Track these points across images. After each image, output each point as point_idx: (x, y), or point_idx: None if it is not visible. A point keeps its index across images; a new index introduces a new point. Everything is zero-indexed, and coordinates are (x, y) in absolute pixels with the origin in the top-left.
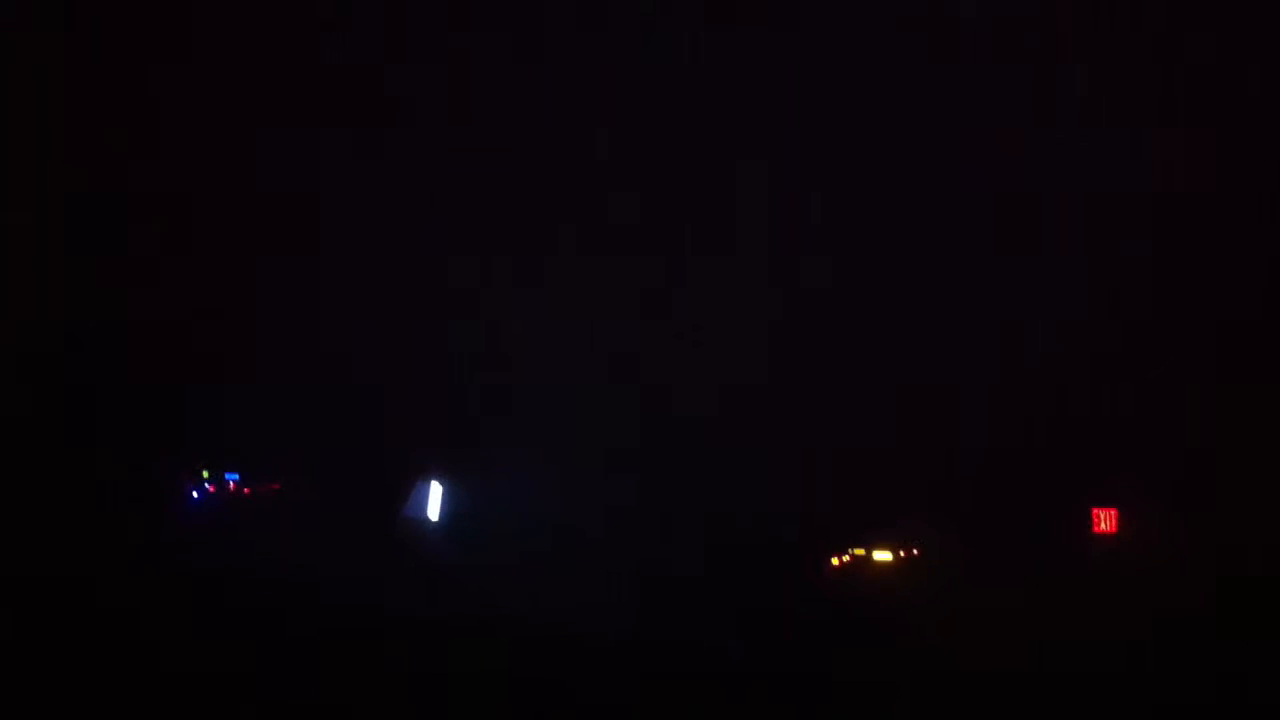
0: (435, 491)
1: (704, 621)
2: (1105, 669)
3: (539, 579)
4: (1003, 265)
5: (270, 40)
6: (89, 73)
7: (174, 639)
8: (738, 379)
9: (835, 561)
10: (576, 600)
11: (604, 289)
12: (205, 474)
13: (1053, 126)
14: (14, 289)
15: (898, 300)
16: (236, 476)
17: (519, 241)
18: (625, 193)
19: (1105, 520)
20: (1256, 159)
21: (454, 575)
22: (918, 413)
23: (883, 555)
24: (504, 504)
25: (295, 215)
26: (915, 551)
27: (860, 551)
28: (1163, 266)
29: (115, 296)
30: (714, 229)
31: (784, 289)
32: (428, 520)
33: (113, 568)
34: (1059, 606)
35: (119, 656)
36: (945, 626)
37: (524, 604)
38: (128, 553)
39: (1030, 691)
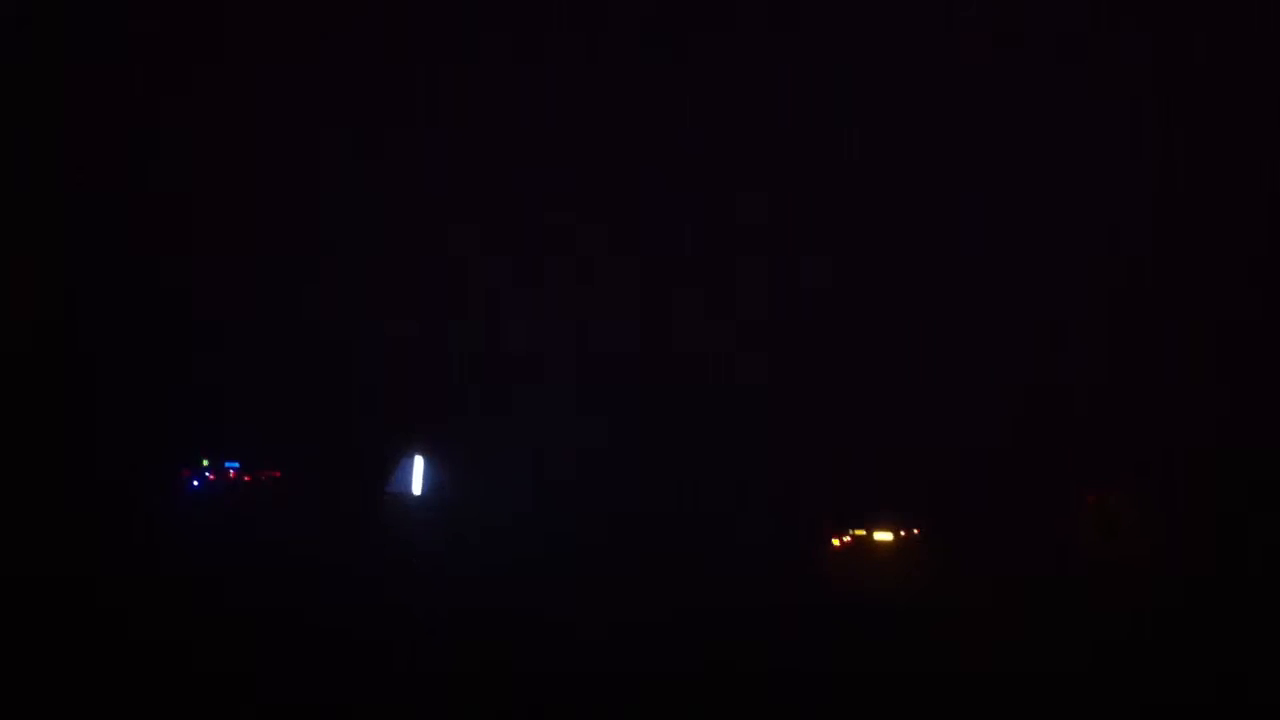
0: (419, 468)
1: (702, 612)
2: (1101, 667)
3: (535, 568)
4: (1002, 264)
5: (272, 41)
6: (89, 73)
7: (176, 624)
8: (739, 375)
9: (836, 542)
10: (572, 590)
11: (604, 289)
12: (205, 462)
13: (1053, 126)
14: (14, 286)
15: (898, 299)
16: (237, 464)
17: (519, 241)
18: (626, 193)
19: (1100, 503)
20: (1257, 159)
21: (445, 563)
22: (918, 403)
23: (883, 535)
24: (502, 494)
25: (295, 212)
26: (915, 532)
27: (861, 532)
28: (1163, 266)
29: (115, 291)
30: (714, 229)
31: (784, 289)
32: (410, 495)
33: (114, 554)
34: (1055, 599)
35: (118, 646)
36: (944, 624)
37: (520, 594)
38: (130, 539)
39: (1029, 690)
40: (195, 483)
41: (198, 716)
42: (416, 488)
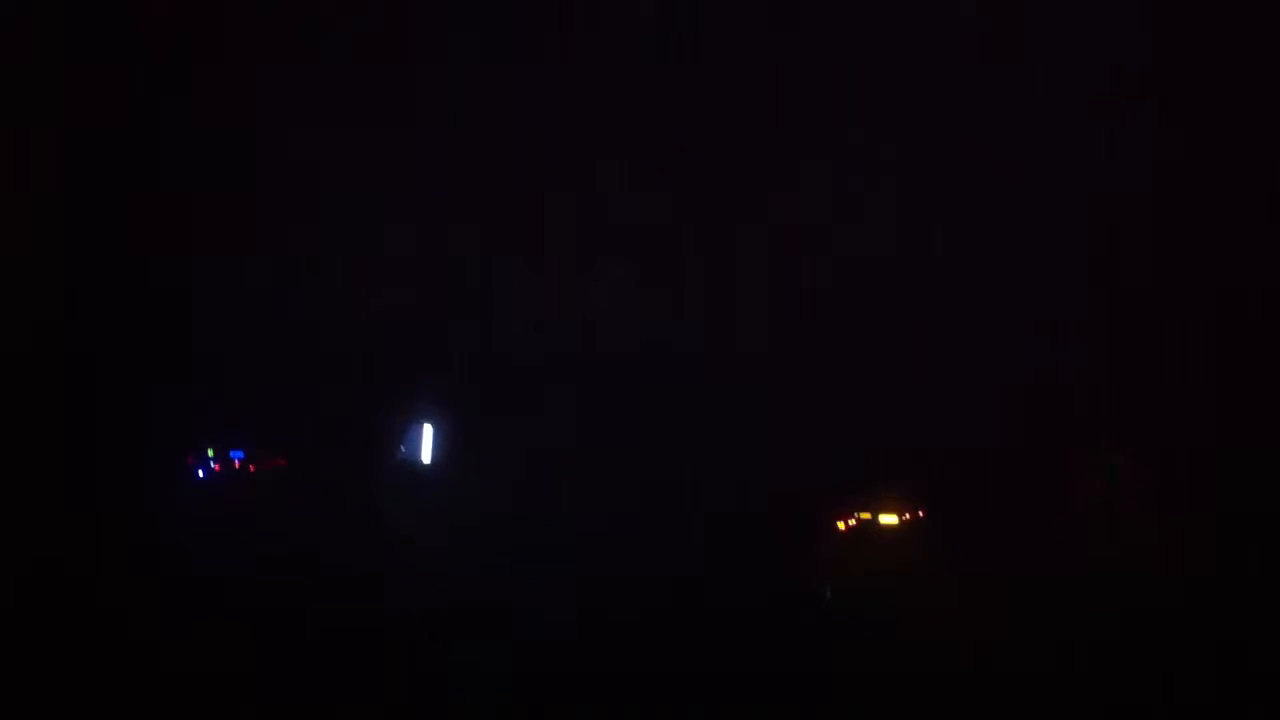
0: (428, 434)
1: (702, 612)
2: (1101, 667)
3: (535, 567)
4: (1002, 264)
5: (272, 41)
6: (89, 73)
7: (178, 623)
8: (739, 375)
9: (840, 526)
10: (572, 590)
11: (604, 289)
12: (210, 452)
13: (1053, 126)
14: (14, 286)
15: (898, 299)
16: (241, 454)
17: (519, 241)
18: (626, 192)
19: (1100, 502)
20: (1257, 159)
21: (445, 561)
22: (918, 402)
23: (888, 519)
24: (501, 492)
25: (295, 212)
26: (920, 514)
27: (866, 515)
28: (1163, 266)
29: (118, 274)
30: (714, 229)
31: (784, 289)
32: (420, 462)
33: (115, 553)
34: (1055, 599)
35: (120, 643)
36: (944, 623)
37: (520, 594)
38: (134, 532)
39: (1028, 690)
40: (200, 472)
41: (198, 716)
42: (426, 455)
